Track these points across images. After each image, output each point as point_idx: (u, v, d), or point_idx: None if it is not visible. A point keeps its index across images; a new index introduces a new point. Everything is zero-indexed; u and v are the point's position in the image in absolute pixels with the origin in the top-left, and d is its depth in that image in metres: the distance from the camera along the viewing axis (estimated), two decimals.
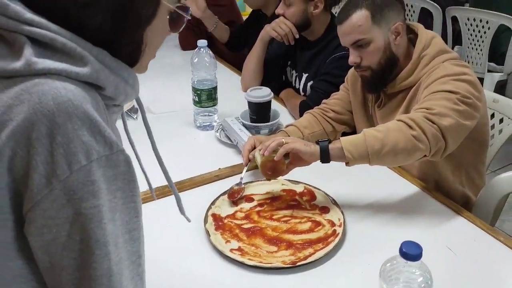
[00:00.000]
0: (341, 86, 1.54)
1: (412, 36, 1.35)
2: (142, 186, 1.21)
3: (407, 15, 3.28)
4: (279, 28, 1.74)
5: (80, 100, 0.54)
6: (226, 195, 1.26)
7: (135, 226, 0.60)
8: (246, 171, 1.33)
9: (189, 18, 0.73)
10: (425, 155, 1.12)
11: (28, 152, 0.51)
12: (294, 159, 1.18)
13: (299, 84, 1.86)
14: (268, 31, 1.79)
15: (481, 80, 3.03)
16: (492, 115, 1.59)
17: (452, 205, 1.23)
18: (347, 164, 1.13)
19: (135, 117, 1.75)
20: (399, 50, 1.31)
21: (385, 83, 1.35)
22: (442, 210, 1.22)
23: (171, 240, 1.15)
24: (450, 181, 1.35)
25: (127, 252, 0.59)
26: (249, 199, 1.26)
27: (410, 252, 0.68)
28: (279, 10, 1.74)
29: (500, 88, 3.00)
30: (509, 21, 2.70)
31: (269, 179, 1.26)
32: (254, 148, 1.33)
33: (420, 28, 1.34)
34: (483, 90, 1.28)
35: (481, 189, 1.36)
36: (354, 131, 1.53)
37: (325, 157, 1.12)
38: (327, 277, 1.02)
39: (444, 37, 3.20)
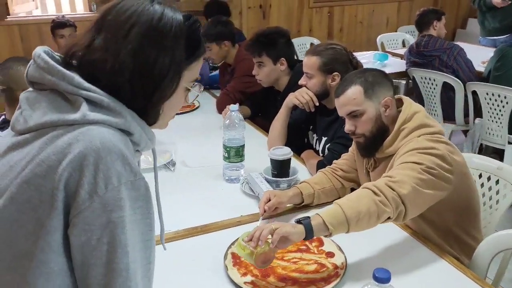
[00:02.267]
0: (350, 148, 1.74)
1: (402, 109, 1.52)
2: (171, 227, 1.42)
3: (430, 88, 3.49)
4: (301, 97, 1.99)
5: (117, 141, 0.77)
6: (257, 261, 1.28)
7: (148, 237, 0.80)
8: (262, 219, 1.51)
9: (199, 93, 0.96)
10: (389, 217, 1.28)
11: (79, 175, 0.73)
12: (281, 241, 1.21)
13: (319, 146, 2.08)
14: (292, 99, 2.05)
15: (502, 151, 3.15)
16: (497, 182, 1.73)
17: (447, 258, 1.36)
18: (327, 236, 1.27)
19: (172, 169, 2.00)
20: (389, 120, 1.51)
21: (375, 148, 1.53)
22: (437, 262, 1.35)
23: (195, 273, 1.33)
24: (439, 245, 1.46)
25: (140, 256, 0.78)
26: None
27: (381, 276, 0.84)
28: (302, 81, 2.00)
29: None
30: None
31: (261, 268, 1.27)
32: (269, 200, 1.52)
33: (406, 102, 1.53)
34: (459, 162, 1.43)
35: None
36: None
37: (309, 233, 1.21)
38: None
39: (466, 109, 3.37)
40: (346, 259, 1.33)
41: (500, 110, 3.02)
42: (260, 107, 2.61)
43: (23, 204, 0.74)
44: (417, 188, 1.29)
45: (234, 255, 1.37)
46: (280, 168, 1.79)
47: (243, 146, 1.86)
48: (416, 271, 1.30)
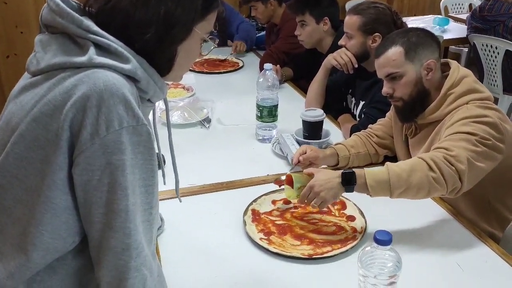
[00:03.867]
0: (387, 113, 1.67)
1: (448, 73, 1.44)
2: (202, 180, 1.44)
3: (492, 56, 3.25)
4: (340, 58, 1.92)
5: (121, 85, 0.78)
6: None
7: (150, 182, 0.82)
8: (291, 170, 1.53)
9: (216, 46, 0.95)
10: (442, 194, 1.24)
11: (82, 116, 0.75)
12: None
13: (356, 111, 2.01)
14: (330, 60, 1.98)
15: None
16: None
17: (474, 231, 1.30)
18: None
19: (207, 126, 2.02)
20: (430, 84, 1.42)
21: (415, 114, 1.45)
22: (464, 234, 1.30)
23: (214, 226, 1.36)
24: (475, 220, 1.40)
25: (141, 200, 0.80)
26: (287, 201, 1.44)
27: (382, 238, 0.82)
28: (342, 42, 1.92)
29: None
30: None
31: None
32: (305, 153, 1.52)
33: (453, 65, 1.44)
34: (508, 131, 1.34)
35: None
36: (395, 156, 1.64)
37: (349, 189, 1.24)
38: (338, 273, 1.16)
39: None
40: (366, 224, 1.31)
41: None
42: (304, 69, 2.55)
43: (32, 141, 0.78)
44: (473, 162, 1.23)
45: (254, 211, 1.39)
46: (312, 130, 1.76)
47: (276, 106, 1.84)
48: (442, 245, 1.25)
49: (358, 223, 1.33)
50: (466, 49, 4.04)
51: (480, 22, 3.31)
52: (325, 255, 1.20)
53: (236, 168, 1.67)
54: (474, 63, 3.51)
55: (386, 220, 1.34)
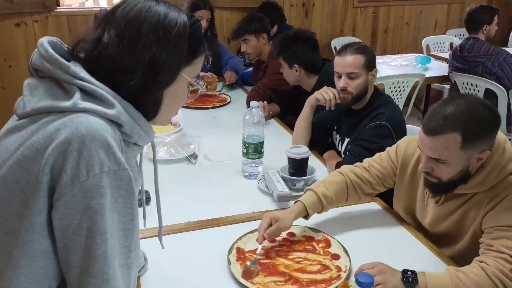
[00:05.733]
0: (386, 159, 1.56)
1: None
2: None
3: (472, 94, 3.35)
4: (325, 93, 1.97)
5: (103, 130, 0.79)
6: (241, 273, 1.27)
7: (129, 226, 0.82)
8: (261, 247, 1.35)
9: (205, 91, 0.98)
10: None
11: (63, 160, 0.76)
12: None
13: (341, 148, 2.05)
14: (316, 95, 2.03)
15: None
16: None
17: None
18: None
19: (193, 162, 2.03)
20: (474, 169, 1.29)
21: (449, 192, 1.34)
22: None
23: (197, 264, 1.35)
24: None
25: (119, 244, 0.80)
26: (273, 240, 1.44)
27: (363, 280, 0.83)
28: (342, 84, 1.91)
29: None
30: None
31: None
32: (271, 225, 1.36)
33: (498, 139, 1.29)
34: None
35: None
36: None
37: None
38: None
39: (509, 118, 3.21)
40: (350, 263, 1.31)
41: None
42: (290, 106, 2.59)
43: (13, 184, 0.78)
44: None
45: (238, 250, 1.38)
46: (297, 167, 1.77)
47: (262, 143, 1.87)
48: None
49: (342, 262, 1.33)
50: (448, 86, 4.15)
51: (461, 62, 3.43)
52: None
53: (222, 205, 1.67)
54: None
55: (371, 259, 1.34)
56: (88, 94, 0.82)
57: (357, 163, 1.62)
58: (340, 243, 1.40)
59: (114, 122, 0.83)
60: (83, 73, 0.83)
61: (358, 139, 1.88)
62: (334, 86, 2.01)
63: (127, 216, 0.81)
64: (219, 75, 3.15)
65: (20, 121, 0.83)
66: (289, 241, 1.44)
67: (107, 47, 0.83)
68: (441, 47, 5.01)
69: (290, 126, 2.43)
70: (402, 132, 1.90)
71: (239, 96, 3.00)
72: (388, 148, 1.60)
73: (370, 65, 1.90)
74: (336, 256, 1.36)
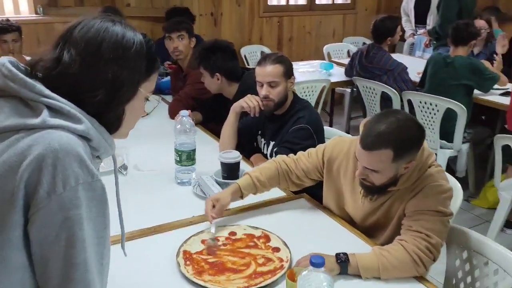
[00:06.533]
0: (314, 156, 1.73)
1: None
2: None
3: (371, 97, 3.72)
4: (250, 101, 2.11)
5: (75, 144, 0.83)
6: (205, 249, 1.45)
7: (102, 234, 0.86)
8: (214, 225, 1.55)
9: (158, 103, 1.05)
10: None
11: (38, 175, 0.78)
12: None
13: (267, 150, 2.20)
14: (241, 103, 2.15)
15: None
16: None
17: None
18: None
19: (124, 173, 2.04)
20: (401, 174, 1.47)
21: (381, 193, 1.52)
22: None
23: (149, 271, 1.39)
24: None
25: (95, 251, 0.85)
26: (216, 239, 1.53)
27: (316, 261, 0.96)
28: (264, 92, 2.06)
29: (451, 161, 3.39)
30: (455, 105, 3.13)
31: None
32: (214, 207, 1.57)
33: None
34: None
35: None
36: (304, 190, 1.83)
37: (344, 268, 1.35)
38: None
39: None
40: (290, 253, 1.45)
41: (432, 118, 3.28)
42: (212, 113, 2.69)
43: None
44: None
45: (185, 252, 1.45)
46: (230, 171, 1.88)
47: (194, 150, 1.94)
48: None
49: (283, 253, 1.46)
50: (349, 90, 4.54)
51: (362, 69, 3.78)
52: (260, 285, 1.31)
53: (161, 213, 1.72)
54: (359, 102, 3.97)
55: (307, 249, 1.48)
56: (55, 111, 0.84)
57: (290, 155, 1.80)
58: (278, 237, 1.53)
59: (83, 137, 0.86)
60: (47, 91, 0.85)
61: (283, 142, 2.04)
62: (254, 93, 2.16)
63: (100, 225, 0.85)
64: None
65: None
66: (231, 240, 1.54)
67: (69, 66, 0.86)
68: (341, 53, 5.45)
69: (214, 133, 2.53)
70: (320, 133, 2.10)
71: (158, 106, 3.01)
72: (318, 146, 1.78)
73: (288, 74, 2.07)
74: (276, 249, 1.49)
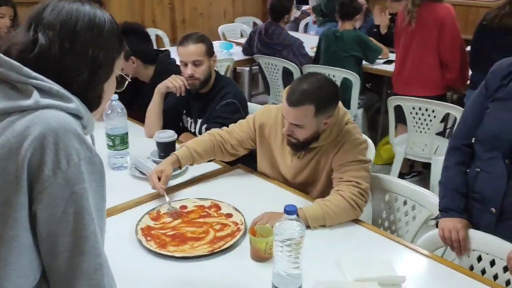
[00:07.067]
0: (246, 126, 1.86)
1: None
2: None
3: (273, 72, 3.94)
4: (175, 81, 2.15)
5: (71, 122, 0.85)
6: (172, 215, 1.57)
7: (101, 207, 0.90)
8: (167, 194, 1.66)
9: (129, 80, 1.08)
10: None
11: (41, 154, 0.79)
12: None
13: (195, 128, 2.26)
14: (166, 83, 2.18)
15: None
16: None
17: None
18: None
19: None
20: (322, 129, 1.66)
21: (305, 148, 1.71)
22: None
23: (113, 252, 1.40)
24: None
25: (98, 223, 0.87)
26: (169, 214, 1.59)
27: (290, 209, 1.09)
28: (189, 72, 2.11)
29: None
30: (350, 75, 3.47)
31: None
32: (159, 179, 1.67)
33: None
34: None
35: None
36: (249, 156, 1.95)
37: None
38: (237, 259, 1.39)
39: None
40: (244, 216, 1.56)
41: None
42: (127, 98, 2.64)
43: None
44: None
45: (143, 230, 1.49)
46: (166, 150, 1.92)
47: (127, 133, 1.94)
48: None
49: (236, 218, 1.57)
50: (247, 68, 4.72)
51: (263, 46, 3.97)
52: (223, 247, 1.41)
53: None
54: (255, 79, 4.15)
55: (254, 211, 1.61)
56: (44, 92, 0.84)
57: (224, 127, 1.90)
58: (228, 204, 1.64)
59: (73, 115, 0.88)
60: (34, 73, 0.84)
61: (213, 118, 2.12)
62: (172, 74, 2.20)
63: (99, 198, 0.88)
64: None
65: None
66: (184, 213, 1.60)
67: (48, 48, 0.86)
68: (235, 33, 5.60)
69: (135, 118, 2.51)
70: (246, 107, 2.23)
71: None
72: (248, 116, 1.92)
73: (210, 52, 2.15)
74: (229, 215, 1.59)
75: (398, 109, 3.00)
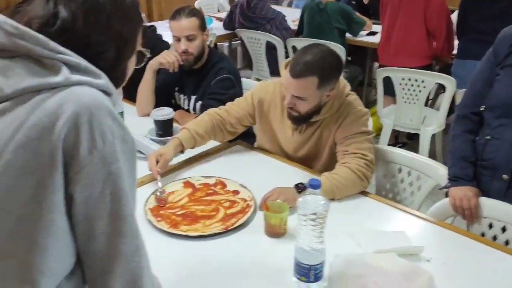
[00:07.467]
0: (244, 103, 1.82)
1: None
2: None
3: (256, 47, 3.87)
4: (168, 57, 2.07)
5: (103, 99, 0.80)
6: (155, 203, 1.49)
7: (133, 187, 0.85)
8: (160, 178, 1.58)
9: (149, 56, 1.02)
10: None
11: (75, 133, 0.75)
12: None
13: (188, 105, 2.20)
14: (159, 59, 2.09)
15: None
16: None
17: None
18: None
19: None
20: (324, 102, 1.63)
21: (306, 122, 1.67)
22: None
23: None
24: None
25: (132, 203, 0.84)
26: (163, 192, 1.53)
27: (314, 183, 1.07)
28: (183, 47, 2.03)
29: None
30: (335, 47, 3.44)
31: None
32: (157, 162, 1.59)
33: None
34: None
35: None
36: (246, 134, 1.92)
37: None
38: (251, 236, 1.37)
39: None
40: (252, 192, 1.54)
41: None
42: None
43: (20, 169, 0.72)
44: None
45: (152, 211, 1.45)
46: (164, 128, 1.87)
47: (122, 112, 1.87)
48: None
49: (244, 194, 1.55)
50: (226, 44, 4.63)
51: (246, 20, 3.88)
52: (236, 224, 1.39)
53: None
54: (245, 54, 4.09)
55: (261, 187, 1.59)
56: (72, 68, 0.78)
57: (221, 106, 1.85)
58: (234, 180, 1.61)
59: (104, 92, 0.82)
60: (61, 47, 0.78)
61: (209, 94, 2.07)
62: (160, 51, 2.12)
63: (132, 178, 0.83)
64: None
65: (0, 106, 0.75)
66: (191, 193, 1.56)
67: (72, 22, 0.80)
68: (212, 8, 5.46)
69: (124, 97, 2.43)
70: (240, 82, 2.18)
71: None
72: (245, 94, 1.87)
73: (203, 26, 2.08)
74: (236, 192, 1.57)
75: (385, 81, 3.01)
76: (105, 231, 0.79)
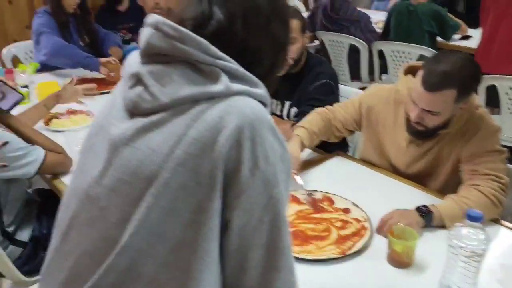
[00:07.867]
0: (352, 108, 1.70)
1: None
2: None
3: (338, 50, 3.70)
4: None
5: (264, 111, 0.71)
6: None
7: (285, 213, 0.75)
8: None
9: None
10: None
11: (237, 150, 0.66)
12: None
13: (281, 111, 2.08)
14: None
15: None
16: None
17: None
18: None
19: None
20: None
21: (431, 137, 1.49)
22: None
23: None
24: None
25: (288, 232, 0.74)
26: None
27: (475, 215, 0.91)
28: None
29: None
30: (427, 52, 3.21)
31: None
32: None
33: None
34: None
35: None
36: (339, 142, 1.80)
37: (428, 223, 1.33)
38: (371, 263, 1.22)
39: (371, 68, 3.66)
40: (365, 212, 1.39)
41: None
42: None
43: (178, 190, 0.64)
44: None
45: None
46: None
47: None
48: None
49: (355, 213, 1.40)
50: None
51: (329, 22, 3.72)
52: (353, 249, 1.24)
53: None
54: (326, 57, 3.93)
55: (374, 206, 1.43)
56: (230, 75, 0.70)
57: (326, 107, 1.75)
58: (343, 197, 1.47)
59: (261, 102, 0.73)
60: (220, 52, 0.70)
61: (307, 100, 1.93)
62: None
63: (286, 202, 0.73)
64: (98, 54, 2.81)
65: (155, 117, 0.67)
66: (299, 210, 1.44)
67: (228, 24, 0.71)
68: None
69: None
70: (338, 88, 2.03)
71: None
72: (353, 98, 1.74)
73: (304, 28, 1.95)
74: (346, 210, 1.42)
75: (488, 91, 2.74)
76: (260, 264, 0.68)
